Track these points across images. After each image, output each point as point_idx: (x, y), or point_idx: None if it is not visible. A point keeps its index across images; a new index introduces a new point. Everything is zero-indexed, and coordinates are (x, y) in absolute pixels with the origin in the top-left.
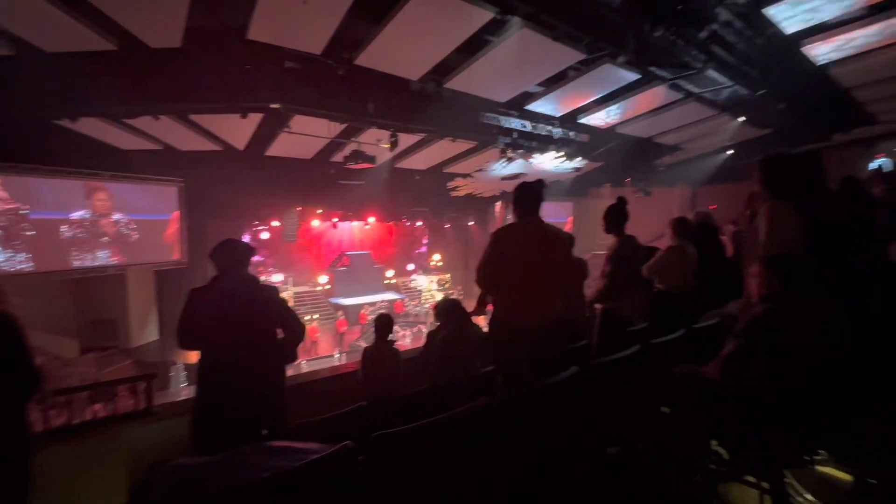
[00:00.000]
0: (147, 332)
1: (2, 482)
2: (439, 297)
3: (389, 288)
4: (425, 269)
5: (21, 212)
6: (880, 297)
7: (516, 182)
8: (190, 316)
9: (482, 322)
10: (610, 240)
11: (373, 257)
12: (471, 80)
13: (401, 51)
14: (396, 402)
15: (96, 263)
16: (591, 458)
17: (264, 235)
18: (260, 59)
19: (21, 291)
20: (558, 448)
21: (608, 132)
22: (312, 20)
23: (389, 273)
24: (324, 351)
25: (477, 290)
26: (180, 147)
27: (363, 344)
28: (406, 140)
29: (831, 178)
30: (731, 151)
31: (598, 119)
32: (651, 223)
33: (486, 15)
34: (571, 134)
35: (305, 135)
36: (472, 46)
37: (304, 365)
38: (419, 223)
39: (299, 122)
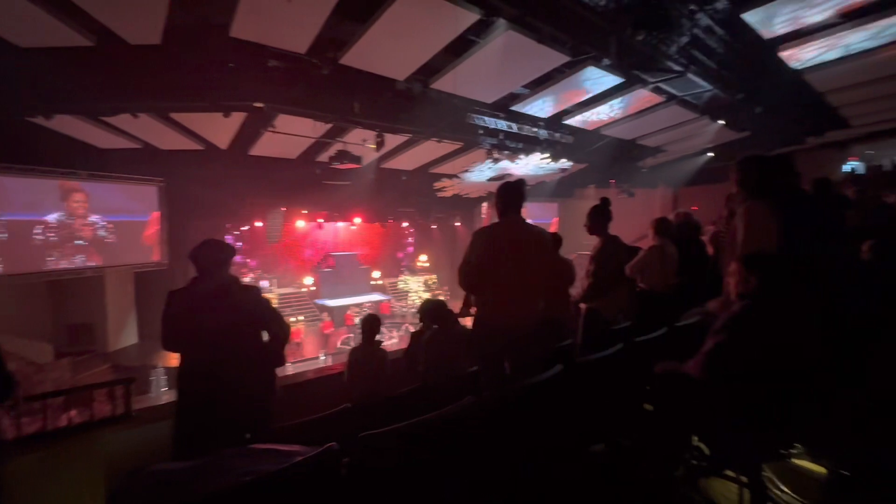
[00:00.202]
0: (126, 335)
1: None
2: (426, 297)
3: (376, 289)
4: (412, 270)
5: None
6: (852, 295)
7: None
8: (170, 319)
9: (467, 323)
10: (594, 240)
11: (359, 258)
12: (457, 81)
13: (386, 51)
14: (382, 403)
15: (72, 266)
16: (576, 456)
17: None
18: (243, 57)
19: None
20: (544, 446)
21: (593, 134)
22: (297, 19)
23: (376, 274)
24: (309, 353)
25: (462, 292)
26: (161, 146)
27: (351, 345)
28: (392, 140)
29: (806, 179)
30: (711, 154)
31: (583, 121)
32: (634, 224)
33: (471, 16)
34: (557, 135)
35: (290, 134)
36: (458, 47)
37: (289, 367)
38: (405, 224)
39: (284, 122)
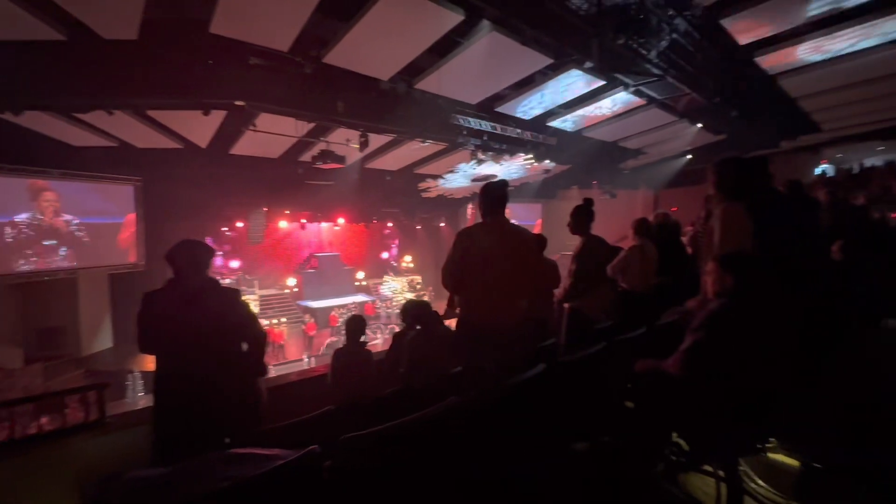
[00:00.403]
0: (100, 339)
1: None
2: (410, 298)
3: (360, 290)
4: (396, 271)
5: None
6: (823, 294)
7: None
8: (146, 321)
9: (452, 324)
10: (577, 241)
11: (342, 259)
12: (441, 82)
13: (371, 50)
14: (366, 405)
15: (44, 267)
16: (560, 454)
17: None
18: (223, 54)
19: None
20: (527, 446)
21: (576, 135)
22: (279, 16)
23: (360, 275)
24: (292, 355)
25: (447, 292)
26: (137, 144)
27: (336, 347)
28: (376, 140)
29: (780, 182)
30: (690, 156)
31: (566, 122)
32: (617, 224)
33: (455, 17)
34: (540, 137)
35: (272, 133)
36: (443, 48)
37: (271, 370)
38: (390, 224)
39: (265, 121)
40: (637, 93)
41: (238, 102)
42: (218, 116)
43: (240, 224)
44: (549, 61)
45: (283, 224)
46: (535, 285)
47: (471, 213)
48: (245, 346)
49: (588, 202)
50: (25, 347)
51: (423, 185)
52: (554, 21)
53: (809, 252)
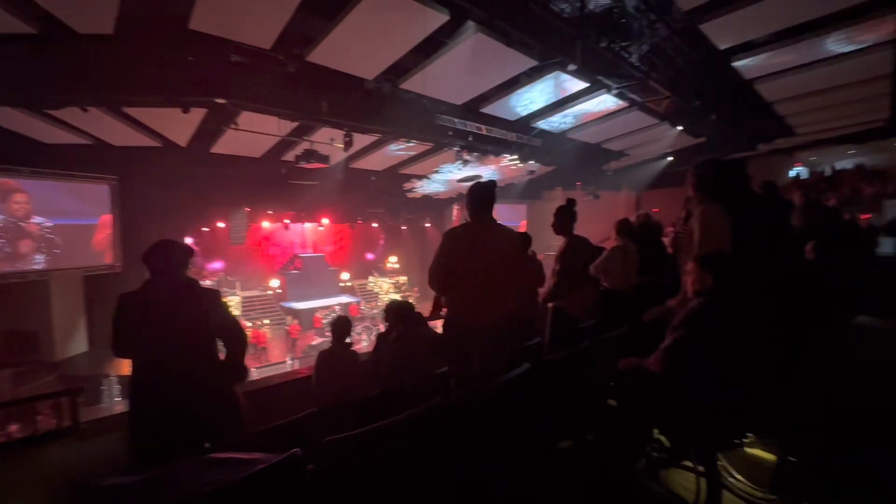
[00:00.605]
0: (75, 343)
1: None
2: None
3: (345, 291)
4: (381, 271)
5: None
6: (797, 292)
7: (470, 184)
8: (121, 324)
9: (438, 325)
10: (561, 241)
11: (327, 260)
12: (426, 82)
13: (355, 49)
14: (350, 407)
15: (13, 269)
16: (544, 453)
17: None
18: (204, 50)
19: None
20: (512, 445)
21: (560, 137)
22: (261, 12)
23: (345, 276)
24: (275, 357)
25: (432, 293)
26: (113, 142)
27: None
28: (361, 140)
29: (756, 184)
30: (671, 158)
31: (551, 124)
32: (600, 225)
33: (441, 17)
34: (525, 138)
35: (254, 132)
36: (428, 48)
37: (254, 372)
38: (375, 224)
39: (248, 119)
40: (620, 95)
41: (219, 100)
42: (198, 114)
43: (221, 224)
44: (534, 63)
45: (265, 224)
46: (521, 285)
47: (456, 214)
48: (225, 349)
49: (570, 203)
50: None
51: (408, 186)
52: (538, 23)
53: (784, 252)
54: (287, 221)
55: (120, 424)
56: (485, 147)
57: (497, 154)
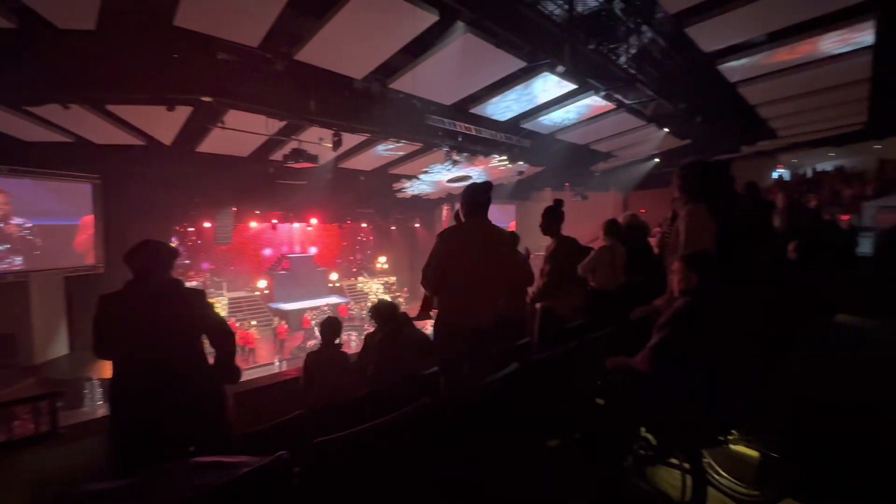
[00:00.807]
0: (55, 346)
1: None
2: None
3: (334, 291)
4: (371, 272)
5: None
6: (780, 291)
7: (462, 184)
8: (101, 325)
9: (428, 325)
10: (549, 241)
11: (315, 260)
12: (416, 82)
13: (344, 48)
14: (338, 409)
15: None
16: (532, 453)
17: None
18: (189, 48)
19: None
20: (501, 445)
21: (549, 138)
22: (248, 10)
23: (333, 276)
24: (263, 359)
25: (422, 293)
26: (96, 140)
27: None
28: (350, 140)
29: (740, 185)
30: (658, 159)
31: (540, 125)
32: (589, 226)
33: (430, 17)
34: (514, 139)
35: (241, 131)
36: (418, 48)
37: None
38: (364, 225)
39: (235, 118)
40: (607, 97)
41: (205, 98)
42: (183, 112)
43: (207, 224)
44: (523, 64)
45: (253, 224)
46: (512, 285)
47: (446, 214)
48: (212, 350)
49: (558, 203)
50: None
51: (397, 186)
52: (527, 25)
53: (766, 251)
54: (275, 221)
55: (102, 429)
56: (474, 147)
57: (486, 155)
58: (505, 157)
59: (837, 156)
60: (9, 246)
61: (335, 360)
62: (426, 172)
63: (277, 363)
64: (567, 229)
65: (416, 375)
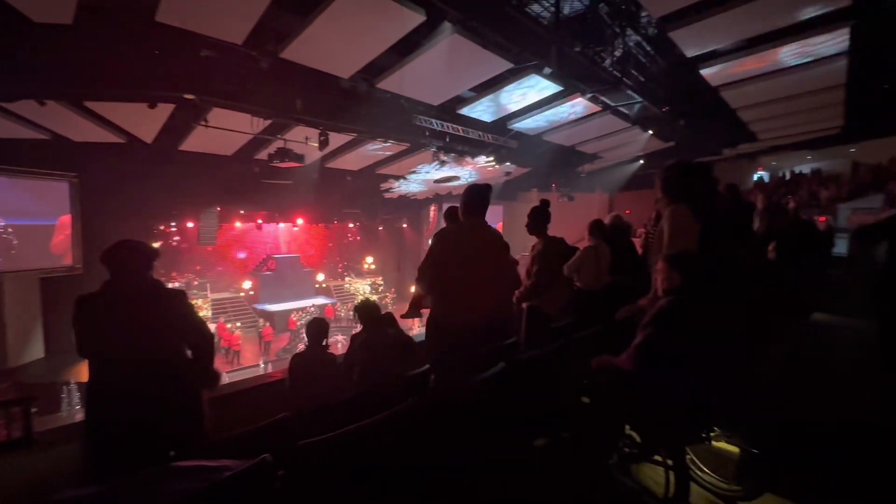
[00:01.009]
0: (30, 349)
1: None
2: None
3: (320, 292)
4: (357, 272)
5: None
6: (760, 290)
7: (450, 185)
8: (81, 327)
9: (414, 325)
10: (535, 241)
11: (302, 261)
12: (403, 82)
13: (331, 47)
14: (323, 411)
15: None
16: (520, 452)
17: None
18: (171, 44)
19: None
20: (488, 443)
21: (536, 139)
22: (232, 7)
23: (320, 277)
24: (248, 361)
25: (411, 294)
26: (73, 137)
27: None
28: (337, 139)
29: (721, 187)
30: (642, 161)
31: (527, 126)
32: (575, 226)
33: (417, 17)
34: (501, 139)
35: (225, 129)
36: (405, 48)
37: (225, 377)
38: (351, 225)
39: (218, 116)
40: (593, 99)
41: (188, 96)
42: (165, 110)
43: (190, 224)
44: (510, 65)
45: (237, 224)
46: (503, 286)
47: (433, 215)
48: (190, 352)
49: (544, 203)
50: None
51: (385, 186)
52: (515, 27)
53: (747, 251)
54: (260, 221)
55: (79, 434)
56: (462, 148)
57: (474, 155)
58: (492, 158)
59: (814, 158)
60: None
61: (321, 362)
62: (414, 173)
63: (262, 365)
64: (554, 230)
65: (402, 376)
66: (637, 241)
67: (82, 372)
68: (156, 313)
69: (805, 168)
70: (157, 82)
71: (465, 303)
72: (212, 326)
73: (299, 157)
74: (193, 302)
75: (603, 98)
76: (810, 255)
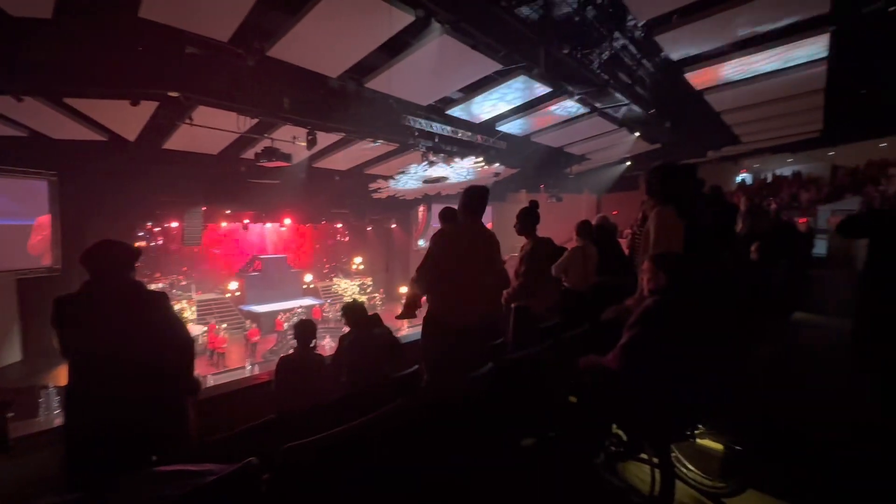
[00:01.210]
0: (7, 352)
1: None
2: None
3: (308, 293)
4: (346, 273)
5: None
6: (743, 290)
7: (439, 185)
8: (62, 328)
9: (405, 326)
10: (524, 242)
11: (289, 261)
12: (392, 82)
13: (319, 45)
14: (310, 413)
15: None
16: (508, 452)
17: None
18: (155, 41)
19: None
20: (477, 444)
21: (524, 140)
22: (219, 4)
23: (308, 277)
24: (234, 363)
25: (400, 294)
26: (52, 135)
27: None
28: (325, 139)
29: (705, 189)
30: (629, 162)
31: (515, 127)
32: (564, 227)
33: (406, 17)
34: (490, 140)
35: (211, 128)
36: (394, 48)
37: (210, 379)
38: (339, 225)
39: (204, 114)
40: (581, 101)
41: (172, 93)
42: (149, 108)
43: (174, 224)
44: (499, 66)
45: (223, 224)
46: (496, 286)
47: (422, 215)
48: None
49: (533, 204)
50: None
51: (373, 186)
52: (504, 28)
53: (730, 252)
54: (247, 222)
55: (58, 439)
56: (451, 148)
57: (463, 156)
58: (481, 159)
59: (795, 161)
60: None
61: (309, 364)
62: (402, 173)
63: (249, 367)
64: (542, 230)
65: (390, 377)
66: (624, 242)
67: (61, 375)
68: (136, 315)
69: (786, 171)
70: (141, 79)
71: (464, 302)
72: (201, 329)
73: (287, 157)
74: (178, 304)
75: (591, 100)
76: (791, 256)
